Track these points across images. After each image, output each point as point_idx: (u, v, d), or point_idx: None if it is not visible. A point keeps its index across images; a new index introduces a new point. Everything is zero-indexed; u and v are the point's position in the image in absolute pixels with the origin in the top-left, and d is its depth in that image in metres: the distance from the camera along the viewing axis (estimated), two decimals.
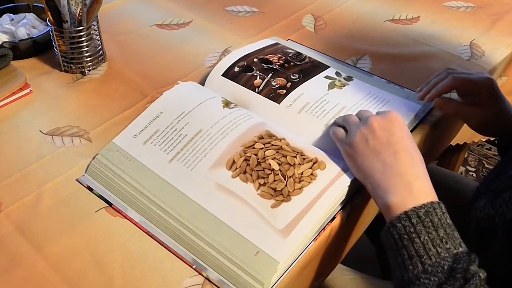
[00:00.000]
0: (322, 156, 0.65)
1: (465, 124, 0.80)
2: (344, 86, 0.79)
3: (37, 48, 0.88)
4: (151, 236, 0.60)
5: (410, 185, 0.56)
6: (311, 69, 0.82)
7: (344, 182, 0.62)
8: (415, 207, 0.54)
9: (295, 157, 0.64)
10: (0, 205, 0.64)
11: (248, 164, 0.64)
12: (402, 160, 0.58)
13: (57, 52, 0.84)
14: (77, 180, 0.67)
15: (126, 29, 0.98)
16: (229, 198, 0.62)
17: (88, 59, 0.85)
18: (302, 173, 0.62)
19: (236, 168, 0.64)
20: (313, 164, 0.63)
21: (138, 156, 0.67)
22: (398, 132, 0.61)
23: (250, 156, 0.64)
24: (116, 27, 0.98)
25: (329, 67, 0.83)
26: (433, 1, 1.09)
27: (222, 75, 0.80)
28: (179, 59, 0.90)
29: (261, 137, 0.66)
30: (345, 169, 0.64)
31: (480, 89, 0.73)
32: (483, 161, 1.80)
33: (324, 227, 0.61)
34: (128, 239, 0.60)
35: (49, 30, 0.83)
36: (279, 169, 0.63)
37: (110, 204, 0.64)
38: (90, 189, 0.66)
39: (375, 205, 0.60)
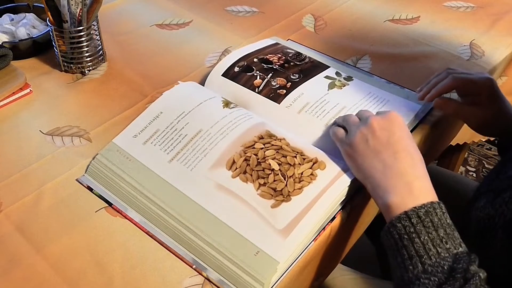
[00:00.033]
0: (322, 156, 0.65)
1: (465, 124, 0.80)
2: (344, 86, 0.79)
3: (37, 48, 0.88)
4: (151, 236, 0.60)
5: (410, 185, 0.56)
6: (311, 69, 0.82)
7: (344, 182, 0.62)
8: (415, 207, 0.54)
9: (295, 157, 0.64)
10: (0, 205, 0.64)
11: (248, 164, 0.64)
12: (402, 160, 0.58)
13: (57, 52, 0.84)
14: (77, 180, 0.67)
15: (126, 29, 0.98)
16: (229, 198, 0.62)
17: (88, 59, 0.85)
18: (302, 173, 0.62)
19: (236, 168, 0.64)
20: (313, 164, 0.63)
21: (138, 156, 0.67)
22: (398, 132, 0.61)
23: (250, 156, 0.64)
24: (116, 27, 0.98)
25: (329, 67, 0.83)
26: (433, 1, 1.09)
27: (222, 75, 0.80)
28: (179, 59, 0.90)
29: (261, 137, 0.66)
30: (345, 169, 0.64)
31: (480, 89, 0.73)
32: (483, 161, 1.80)
33: (324, 227, 0.61)
34: (128, 239, 0.60)
35: (49, 30, 0.83)
36: (279, 169, 0.63)
37: (110, 204, 0.64)
38: (90, 189, 0.66)
39: (375, 205, 0.60)
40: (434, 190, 0.57)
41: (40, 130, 0.74)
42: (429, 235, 0.52)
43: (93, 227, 0.61)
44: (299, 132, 0.71)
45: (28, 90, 0.81)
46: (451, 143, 1.02)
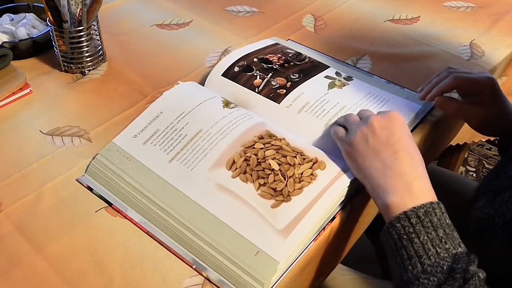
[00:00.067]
0: (322, 156, 0.65)
1: (465, 124, 0.80)
2: (344, 86, 0.78)
3: (37, 48, 0.88)
4: (151, 236, 0.60)
5: (410, 185, 0.56)
6: (311, 69, 0.82)
7: (344, 182, 0.62)
8: (414, 207, 0.54)
9: (295, 157, 0.64)
10: (0, 205, 0.64)
11: (248, 164, 0.64)
12: (402, 160, 0.58)
13: (57, 52, 0.84)
14: (77, 180, 0.67)
15: (126, 29, 0.98)
16: (229, 198, 0.62)
17: (88, 59, 0.85)
18: (302, 173, 0.62)
19: (236, 168, 0.64)
20: (313, 164, 0.63)
21: (138, 156, 0.67)
22: (398, 132, 0.61)
23: (250, 156, 0.64)
24: (116, 27, 0.98)
25: (329, 67, 0.83)
26: (433, 1, 1.09)
27: (222, 75, 0.80)
28: (179, 59, 0.90)
29: (261, 137, 0.67)
30: (345, 169, 0.64)
31: (481, 89, 0.73)
32: (483, 161, 1.80)
33: (324, 227, 0.61)
34: (128, 239, 0.60)
35: (49, 30, 0.83)
36: (279, 169, 0.63)
37: (110, 204, 0.64)
38: (90, 189, 0.66)
39: (375, 205, 0.60)
40: (434, 190, 0.57)
41: (40, 130, 0.74)
42: (429, 235, 0.52)
43: (93, 227, 0.61)
44: (299, 132, 0.71)
45: (28, 90, 0.81)
46: (451, 143, 1.02)
